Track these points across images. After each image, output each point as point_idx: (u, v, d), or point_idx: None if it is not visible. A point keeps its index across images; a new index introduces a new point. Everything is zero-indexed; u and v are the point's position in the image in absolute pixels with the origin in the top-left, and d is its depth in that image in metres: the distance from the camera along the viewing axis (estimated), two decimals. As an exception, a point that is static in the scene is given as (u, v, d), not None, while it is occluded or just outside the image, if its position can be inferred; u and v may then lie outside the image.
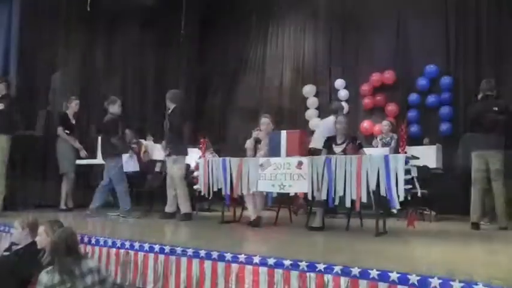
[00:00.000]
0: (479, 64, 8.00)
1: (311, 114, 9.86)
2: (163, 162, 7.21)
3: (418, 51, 8.72)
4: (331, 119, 7.20)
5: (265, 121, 5.95)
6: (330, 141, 5.65)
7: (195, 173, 5.85)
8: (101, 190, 6.58)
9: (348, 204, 4.65)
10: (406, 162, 4.43)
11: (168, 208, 6.34)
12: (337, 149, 5.48)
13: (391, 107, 8.78)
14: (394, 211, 4.41)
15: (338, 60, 9.79)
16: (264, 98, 10.79)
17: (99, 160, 7.28)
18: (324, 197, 4.80)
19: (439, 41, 8.45)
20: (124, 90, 9.57)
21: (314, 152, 5.99)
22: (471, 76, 8.02)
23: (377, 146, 7.69)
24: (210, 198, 5.83)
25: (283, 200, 6.06)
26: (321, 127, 7.30)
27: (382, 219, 4.87)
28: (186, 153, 6.22)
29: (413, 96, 8.54)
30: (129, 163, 6.52)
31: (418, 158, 6.16)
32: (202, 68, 11.87)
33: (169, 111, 6.36)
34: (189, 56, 11.26)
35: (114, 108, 6.68)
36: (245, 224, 5.45)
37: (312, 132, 9.51)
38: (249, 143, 5.97)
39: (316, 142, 6.62)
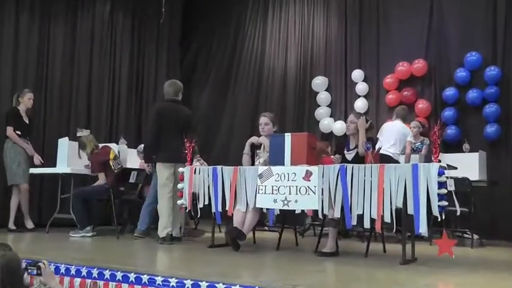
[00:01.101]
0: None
1: (322, 113, 9.95)
2: (139, 171, 7.27)
3: (457, 35, 8.81)
4: (397, 124, 7.37)
5: (264, 121, 6.00)
6: (341, 146, 5.73)
7: (179, 185, 5.90)
8: (147, 208, 6.82)
9: (366, 224, 4.69)
10: (441, 173, 4.47)
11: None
12: (349, 155, 5.55)
13: (422, 105, 8.87)
14: (424, 234, 4.45)
15: (355, 47, 9.88)
16: (263, 92, 10.88)
17: (60, 168, 7.33)
18: (337, 214, 4.86)
19: (484, 23, 8.54)
20: (90, 81, 9.64)
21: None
22: (523, 66, 8.13)
23: (403, 153, 7.76)
24: (196, 216, 5.87)
25: (287, 218, 6.13)
26: (386, 132, 7.45)
27: (410, 244, 4.91)
28: (166, 160, 6.24)
29: (450, 92, 8.63)
30: None
31: (455, 168, 6.22)
32: (187, 57, 11.97)
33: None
34: (171, 41, 11.36)
35: None
36: (246, 248, 5.49)
37: (323, 135, 9.62)
38: (246, 149, 6.03)
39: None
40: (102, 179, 7.11)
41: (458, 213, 4.60)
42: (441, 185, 4.46)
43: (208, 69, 11.81)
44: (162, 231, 6.07)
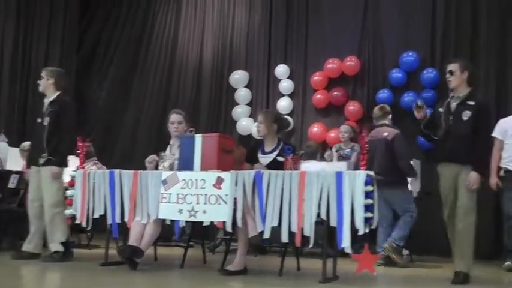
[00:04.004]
0: (475, 53, 8.50)
1: (241, 112, 10.05)
2: (20, 175, 7.08)
3: (393, 33, 9.16)
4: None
5: (178, 118, 5.97)
6: (254, 151, 5.80)
7: (69, 192, 5.79)
8: None
9: (284, 238, 4.78)
10: (367, 182, 4.62)
11: (27, 245, 6.21)
12: (265, 159, 5.61)
13: (353, 107, 9.12)
14: (347, 249, 4.58)
15: (280, 39, 10.05)
16: (174, 87, 10.88)
17: None
18: (260, 228, 4.87)
19: (423, 21, 8.91)
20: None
21: None
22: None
23: (330, 160, 7.92)
24: (88, 228, 5.79)
25: (194, 232, 6.15)
26: None
27: (332, 260, 5.03)
28: (66, 165, 6.14)
29: (384, 94, 8.91)
30: None
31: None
32: (85, 41, 11.75)
33: (49, 100, 6.23)
34: (66, 22, 11.16)
35: None
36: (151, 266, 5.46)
37: (240, 137, 9.66)
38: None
39: None
40: (-26, 183, 6.87)
41: (373, 226, 4.73)
42: (368, 195, 4.61)
43: (110, 56, 11.63)
44: (58, 245, 5.96)
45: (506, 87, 8.24)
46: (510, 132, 6.82)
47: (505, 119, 6.97)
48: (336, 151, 8.19)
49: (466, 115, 5.25)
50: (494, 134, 6.80)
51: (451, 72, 5.35)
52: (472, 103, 5.28)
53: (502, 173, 6.80)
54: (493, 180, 6.77)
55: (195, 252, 6.29)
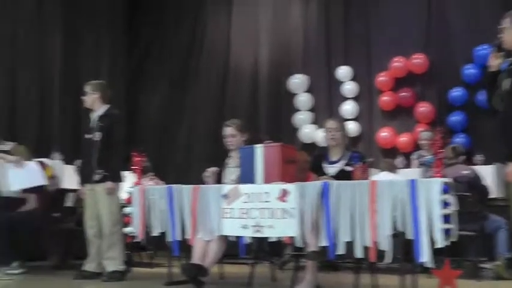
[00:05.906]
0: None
1: (303, 119, 10.00)
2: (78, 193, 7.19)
3: (464, 23, 9.00)
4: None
5: (229, 132, 6.01)
6: (318, 160, 5.78)
7: (127, 209, 5.87)
8: None
9: (358, 253, 4.71)
10: (445, 191, 4.52)
11: (89, 265, 6.34)
12: (331, 169, 5.59)
13: (424, 108, 8.98)
14: (427, 263, 4.47)
15: (340, 38, 10.00)
16: (229, 95, 10.90)
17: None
18: (322, 243, 4.85)
19: (497, 7, 8.66)
20: (13, 78, 9.39)
21: None
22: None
23: (402, 167, 7.80)
24: (148, 246, 5.84)
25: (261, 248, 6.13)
26: None
27: (411, 276, 4.93)
28: (121, 180, 6.30)
29: (457, 92, 8.78)
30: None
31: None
32: (135, 52, 11.89)
33: (98, 114, 6.39)
34: (115, 34, 11.31)
35: None
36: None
37: (305, 145, 9.60)
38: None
39: None
40: (32, 203, 6.99)
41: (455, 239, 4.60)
42: (446, 204, 4.49)
43: (161, 69, 11.67)
44: (117, 263, 6.14)
45: None
46: None
47: None
48: (417, 158, 8.06)
49: None
50: None
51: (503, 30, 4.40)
52: None
53: None
54: None
55: (263, 269, 6.24)
